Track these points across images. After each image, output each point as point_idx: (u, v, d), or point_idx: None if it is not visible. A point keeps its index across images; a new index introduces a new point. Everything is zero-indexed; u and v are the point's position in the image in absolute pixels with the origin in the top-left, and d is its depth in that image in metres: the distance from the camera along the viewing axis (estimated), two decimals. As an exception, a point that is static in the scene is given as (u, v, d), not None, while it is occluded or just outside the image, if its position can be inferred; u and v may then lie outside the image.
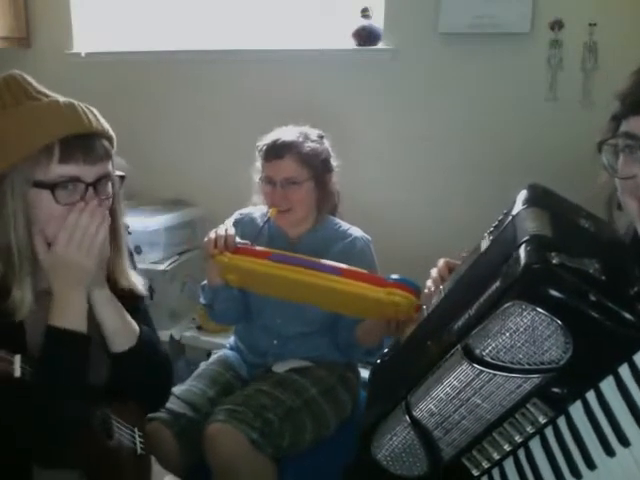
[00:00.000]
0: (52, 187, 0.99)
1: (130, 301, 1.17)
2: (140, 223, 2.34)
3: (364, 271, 1.38)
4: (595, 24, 1.98)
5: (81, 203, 1.02)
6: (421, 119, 2.31)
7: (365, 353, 1.60)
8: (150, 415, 1.52)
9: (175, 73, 2.67)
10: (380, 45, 2.32)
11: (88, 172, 1.01)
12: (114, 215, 1.11)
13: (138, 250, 2.37)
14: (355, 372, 1.75)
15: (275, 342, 1.69)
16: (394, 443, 0.90)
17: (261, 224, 1.64)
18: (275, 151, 1.58)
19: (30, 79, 1.07)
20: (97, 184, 1.03)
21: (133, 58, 2.73)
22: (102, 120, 1.07)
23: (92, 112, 1.05)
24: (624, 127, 0.79)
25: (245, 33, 2.59)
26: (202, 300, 1.67)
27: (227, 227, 1.52)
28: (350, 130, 2.40)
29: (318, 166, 1.62)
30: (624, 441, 0.70)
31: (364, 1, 2.34)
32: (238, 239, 1.50)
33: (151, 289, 2.38)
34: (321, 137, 1.67)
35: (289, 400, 1.52)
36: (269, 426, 1.45)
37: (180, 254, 2.50)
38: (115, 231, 1.12)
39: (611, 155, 0.81)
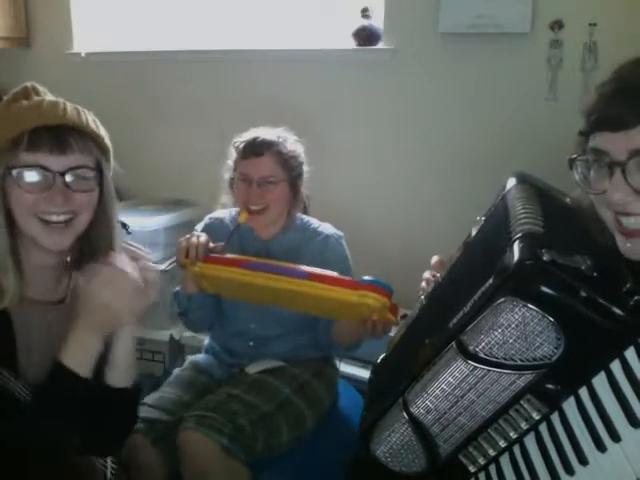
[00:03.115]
0: (16, 173, 1.00)
1: None
2: (140, 223, 2.34)
3: (335, 274, 1.37)
4: (595, 24, 1.98)
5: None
6: (421, 119, 2.31)
7: (345, 349, 1.60)
8: None
9: (175, 73, 2.68)
10: (380, 45, 2.32)
11: (56, 162, 1.01)
12: (102, 214, 1.10)
13: (138, 250, 2.37)
14: (333, 367, 1.74)
15: (251, 344, 1.67)
16: (392, 439, 0.92)
17: (231, 227, 1.62)
18: (254, 148, 1.56)
19: (40, 88, 1.09)
20: (69, 175, 1.02)
21: (133, 58, 2.73)
22: (91, 120, 1.06)
23: (77, 109, 1.04)
24: (591, 143, 0.80)
25: (245, 33, 2.59)
26: (176, 308, 1.65)
27: (199, 235, 1.50)
28: (350, 130, 2.40)
29: (294, 168, 1.60)
30: (615, 437, 0.71)
31: (364, 1, 2.34)
32: (211, 244, 1.49)
33: (151, 289, 2.38)
34: (296, 141, 1.66)
35: (263, 404, 1.50)
36: (240, 431, 1.42)
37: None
38: (106, 230, 1.12)
39: (585, 169, 0.82)
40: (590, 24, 1.98)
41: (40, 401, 1.00)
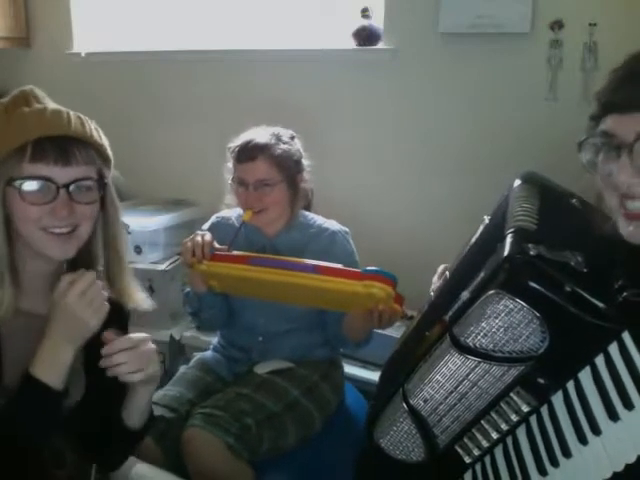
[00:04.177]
0: (19, 184, 0.99)
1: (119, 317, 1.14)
2: (140, 223, 2.34)
3: (339, 266, 1.39)
4: (595, 24, 1.98)
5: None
6: (421, 119, 2.31)
7: (356, 345, 1.61)
8: None
9: (175, 73, 2.68)
10: (380, 45, 2.32)
11: (60, 174, 1.00)
12: (107, 221, 1.10)
13: (138, 250, 2.37)
14: (339, 368, 1.75)
15: (260, 339, 1.68)
16: (394, 429, 0.95)
17: (237, 225, 1.63)
18: (247, 153, 1.57)
19: (38, 92, 1.07)
20: (73, 187, 1.01)
21: (133, 58, 2.74)
22: (94, 130, 1.05)
23: (81, 120, 1.04)
24: (601, 126, 0.81)
25: (245, 33, 2.59)
26: (188, 309, 1.66)
27: (204, 234, 1.51)
28: (350, 130, 2.40)
29: (291, 167, 1.61)
30: (596, 430, 0.72)
31: (364, 1, 2.34)
32: (216, 244, 1.50)
33: (151, 289, 2.38)
34: (292, 137, 1.66)
35: (271, 404, 1.51)
36: (246, 431, 1.44)
37: (180, 254, 2.49)
38: (112, 237, 1.11)
39: (592, 153, 0.83)
40: (590, 24, 1.98)
41: (10, 411, 0.97)
